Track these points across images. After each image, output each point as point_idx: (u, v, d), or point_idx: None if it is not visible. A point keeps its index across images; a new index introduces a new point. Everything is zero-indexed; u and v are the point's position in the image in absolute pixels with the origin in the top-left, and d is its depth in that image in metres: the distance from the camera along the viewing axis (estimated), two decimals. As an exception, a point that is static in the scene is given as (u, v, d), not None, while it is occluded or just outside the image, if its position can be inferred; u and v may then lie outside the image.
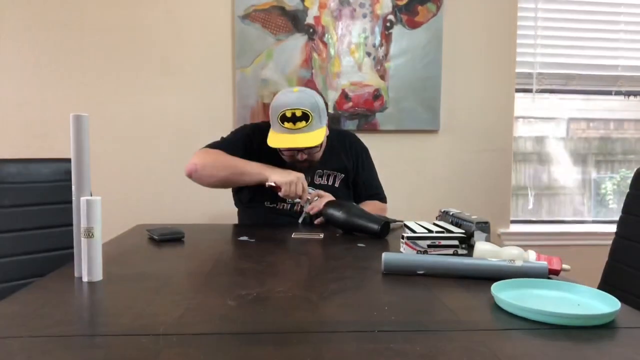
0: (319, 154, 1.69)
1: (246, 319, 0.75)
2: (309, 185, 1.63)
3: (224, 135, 1.76)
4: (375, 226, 1.42)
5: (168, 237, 1.36)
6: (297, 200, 1.61)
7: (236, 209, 1.85)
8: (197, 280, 0.97)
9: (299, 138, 1.57)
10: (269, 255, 1.21)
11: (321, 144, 1.65)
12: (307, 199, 1.60)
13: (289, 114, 1.57)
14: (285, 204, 1.69)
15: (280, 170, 1.59)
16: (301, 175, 1.56)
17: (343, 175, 1.76)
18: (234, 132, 1.78)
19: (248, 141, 1.71)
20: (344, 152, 1.80)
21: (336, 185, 1.74)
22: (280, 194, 1.55)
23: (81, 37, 2.22)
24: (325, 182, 1.74)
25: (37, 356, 0.62)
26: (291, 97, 1.60)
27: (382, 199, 1.88)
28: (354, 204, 1.55)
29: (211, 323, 0.73)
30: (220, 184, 1.65)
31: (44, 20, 2.19)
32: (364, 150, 1.86)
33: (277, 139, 1.59)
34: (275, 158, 1.66)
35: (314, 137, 1.59)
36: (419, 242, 1.16)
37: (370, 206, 1.75)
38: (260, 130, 1.72)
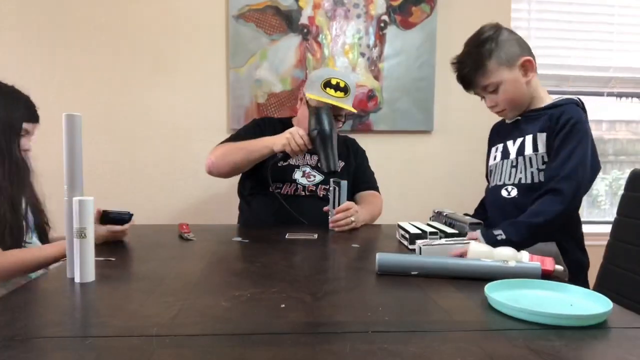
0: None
1: (240, 320, 0.75)
2: (313, 168, 1.78)
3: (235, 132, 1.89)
4: (325, 169, 1.54)
5: (114, 218, 1.29)
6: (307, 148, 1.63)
7: (232, 209, 1.87)
8: (190, 281, 0.97)
9: (340, 103, 1.73)
10: (262, 255, 1.20)
11: (344, 120, 1.84)
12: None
13: (334, 82, 1.74)
14: (289, 187, 1.74)
15: (276, 136, 1.63)
16: (293, 130, 1.59)
17: (343, 163, 1.86)
18: (244, 128, 1.88)
19: (258, 130, 1.81)
20: (346, 147, 1.93)
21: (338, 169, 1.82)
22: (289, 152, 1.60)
23: (75, 35, 2.20)
24: None
25: (29, 358, 0.61)
26: (337, 70, 1.88)
27: (377, 189, 1.94)
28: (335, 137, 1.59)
29: (204, 324, 0.73)
30: (236, 167, 1.71)
31: (37, 18, 2.18)
32: (363, 151, 2.00)
33: (320, 99, 1.73)
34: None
35: (350, 108, 1.76)
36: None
37: (370, 197, 1.86)
38: (269, 119, 1.92)
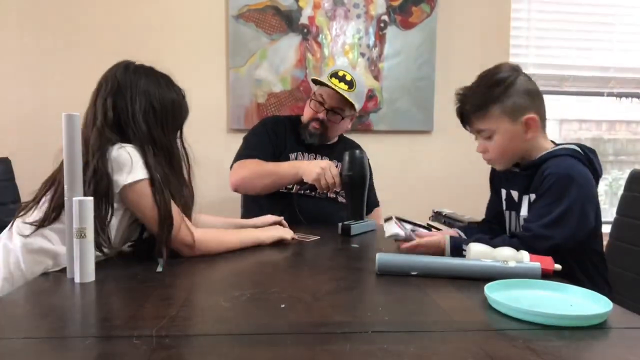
0: (335, 129, 1.81)
1: (240, 320, 0.75)
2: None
3: (246, 135, 1.84)
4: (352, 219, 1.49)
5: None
6: (335, 189, 1.61)
7: (232, 209, 1.88)
8: (190, 281, 0.97)
9: (339, 90, 1.70)
10: (262, 255, 1.20)
11: (343, 117, 1.78)
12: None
13: (341, 74, 1.73)
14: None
15: (308, 164, 1.60)
16: (325, 166, 1.54)
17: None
18: (254, 133, 1.84)
19: (272, 134, 1.80)
20: None
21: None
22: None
23: (74, 36, 2.20)
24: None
25: (29, 358, 0.61)
26: (349, 68, 1.87)
27: (377, 202, 1.95)
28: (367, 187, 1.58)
29: (205, 324, 0.73)
30: (264, 191, 1.69)
31: (37, 19, 2.17)
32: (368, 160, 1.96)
33: (321, 81, 1.73)
34: (298, 144, 1.79)
35: (349, 98, 1.72)
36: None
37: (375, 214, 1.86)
38: (276, 119, 1.90)
